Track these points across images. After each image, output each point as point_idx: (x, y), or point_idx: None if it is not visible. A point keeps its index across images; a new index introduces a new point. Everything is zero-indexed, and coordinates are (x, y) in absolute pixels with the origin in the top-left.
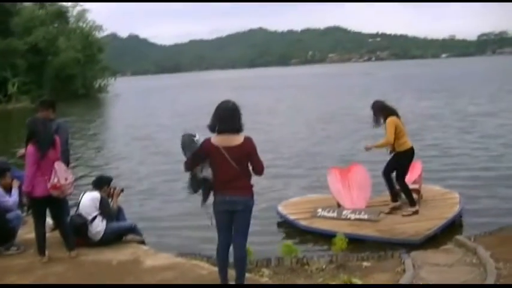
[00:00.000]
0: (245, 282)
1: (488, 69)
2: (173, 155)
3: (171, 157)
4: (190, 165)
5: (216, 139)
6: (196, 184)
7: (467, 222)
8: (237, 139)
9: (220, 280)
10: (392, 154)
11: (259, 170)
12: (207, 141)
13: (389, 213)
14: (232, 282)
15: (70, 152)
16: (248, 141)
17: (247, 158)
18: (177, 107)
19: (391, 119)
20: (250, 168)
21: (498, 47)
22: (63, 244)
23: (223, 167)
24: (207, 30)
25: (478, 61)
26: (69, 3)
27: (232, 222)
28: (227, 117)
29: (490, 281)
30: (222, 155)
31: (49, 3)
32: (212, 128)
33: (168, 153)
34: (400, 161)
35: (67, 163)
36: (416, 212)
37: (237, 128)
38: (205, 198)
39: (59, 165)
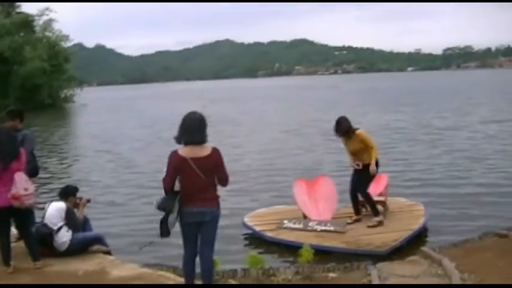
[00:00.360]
0: None
1: (454, 83)
2: (137, 166)
3: (135, 168)
4: (169, 183)
5: (183, 151)
6: (171, 203)
7: (432, 234)
8: (204, 150)
9: None
10: (360, 168)
11: (224, 181)
12: (175, 153)
13: (352, 223)
14: None
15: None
16: (215, 152)
17: (215, 169)
18: (143, 118)
19: (362, 131)
20: (216, 179)
21: (463, 61)
22: (28, 254)
23: (191, 178)
24: (174, 41)
25: (443, 75)
26: (36, 12)
27: (198, 233)
28: (194, 129)
29: None
30: (190, 166)
31: (15, 12)
32: (179, 139)
33: (132, 165)
34: (367, 173)
35: (34, 174)
36: (381, 223)
37: (203, 139)
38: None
39: (19, 176)
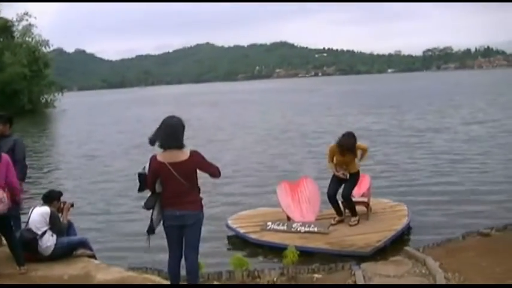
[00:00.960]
0: None
1: (434, 85)
2: (116, 172)
3: (116, 174)
4: (149, 184)
5: (161, 156)
6: (154, 201)
7: (415, 234)
8: (183, 155)
9: None
10: (347, 176)
11: (215, 174)
12: (154, 158)
13: (336, 224)
14: None
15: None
16: (194, 155)
17: (196, 172)
18: (122, 123)
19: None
20: (208, 175)
21: (443, 63)
22: (12, 259)
23: (171, 183)
24: (154, 45)
25: (423, 76)
26: (15, 17)
27: (182, 236)
28: (171, 133)
29: None
30: (169, 171)
31: None
32: (152, 141)
33: (112, 170)
34: (356, 180)
35: (23, 178)
36: (359, 221)
37: (181, 144)
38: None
39: None
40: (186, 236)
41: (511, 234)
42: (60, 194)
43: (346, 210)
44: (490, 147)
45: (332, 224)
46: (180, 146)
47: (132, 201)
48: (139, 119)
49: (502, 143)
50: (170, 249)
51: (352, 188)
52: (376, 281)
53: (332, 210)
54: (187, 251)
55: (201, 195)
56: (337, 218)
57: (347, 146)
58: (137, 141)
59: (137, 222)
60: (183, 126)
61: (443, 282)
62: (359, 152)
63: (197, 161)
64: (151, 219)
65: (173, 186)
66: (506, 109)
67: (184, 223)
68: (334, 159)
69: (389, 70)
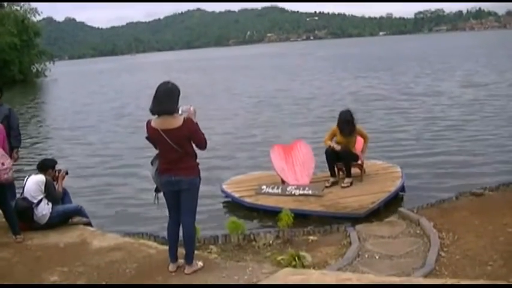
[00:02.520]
0: (194, 260)
1: (426, 47)
2: (108, 142)
3: (106, 144)
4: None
5: (155, 122)
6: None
7: (409, 195)
8: (176, 121)
9: (169, 258)
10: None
11: (202, 145)
12: (148, 124)
13: (330, 186)
14: (181, 260)
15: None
16: (187, 122)
17: (189, 139)
18: (114, 91)
19: (360, 126)
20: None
21: (435, 25)
22: (8, 229)
23: (165, 149)
24: (144, 13)
25: (415, 39)
26: None
27: (179, 200)
28: (164, 99)
29: (434, 250)
30: (163, 137)
31: None
32: (151, 110)
33: (105, 141)
34: (354, 156)
35: (19, 145)
36: (352, 183)
37: (173, 109)
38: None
39: None
40: (182, 201)
41: (503, 194)
42: (54, 162)
43: (340, 173)
44: (484, 110)
45: (326, 187)
46: (172, 111)
47: (122, 169)
48: (130, 87)
49: (495, 105)
50: (169, 213)
51: (350, 155)
52: (371, 241)
53: (326, 173)
54: (184, 216)
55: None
56: (331, 180)
57: (345, 118)
58: (129, 109)
59: (131, 190)
60: (177, 92)
61: (437, 241)
62: (361, 142)
63: (190, 128)
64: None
65: (167, 152)
66: (501, 72)
67: (180, 188)
68: (334, 140)
69: (381, 33)
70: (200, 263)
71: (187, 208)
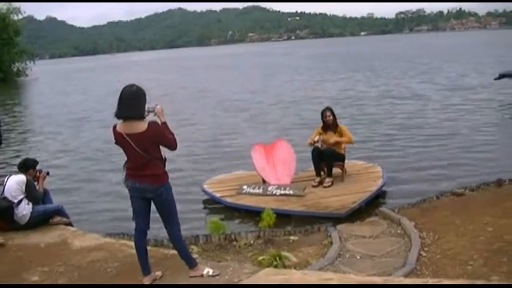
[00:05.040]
0: (199, 264)
1: (406, 47)
2: (86, 142)
3: (89, 145)
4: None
5: (120, 126)
6: None
7: (390, 195)
8: (140, 126)
9: (141, 269)
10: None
11: (172, 147)
12: (114, 128)
13: (317, 186)
14: (158, 272)
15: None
16: (153, 126)
17: (155, 144)
18: (95, 91)
19: (343, 126)
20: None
21: (416, 25)
22: None
23: (131, 154)
24: (125, 12)
25: (396, 39)
26: None
27: (148, 208)
28: (129, 103)
29: (415, 249)
30: (128, 142)
31: None
32: (116, 114)
33: (86, 141)
34: (338, 155)
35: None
36: (333, 183)
37: (139, 114)
38: None
39: None
40: (157, 210)
41: (483, 193)
42: (35, 162)
43: (322, 173)
44: (464, 112)
45: (313, 186)
46: (136, 116)
47: (98, 169)
48: (109, 87)
49: (475, 106)
50: (135, 221)
51: (334, 155)
52: (352, 241)
53: (307, 173)
54: (165, 225)
55: (170, 163)
56: (317, 179)
57: (324, 112)
58: (110, 111)
59: (111, 190)
60: (144, 96)
61: (418, 241)
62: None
63: (156, 132)
64: None
65: (133, 157)
66: (483, 73)
67: (145, 196)
68: (320, 138)
69: (362, 33)
70: (209, 270)
71: (166, 217)
